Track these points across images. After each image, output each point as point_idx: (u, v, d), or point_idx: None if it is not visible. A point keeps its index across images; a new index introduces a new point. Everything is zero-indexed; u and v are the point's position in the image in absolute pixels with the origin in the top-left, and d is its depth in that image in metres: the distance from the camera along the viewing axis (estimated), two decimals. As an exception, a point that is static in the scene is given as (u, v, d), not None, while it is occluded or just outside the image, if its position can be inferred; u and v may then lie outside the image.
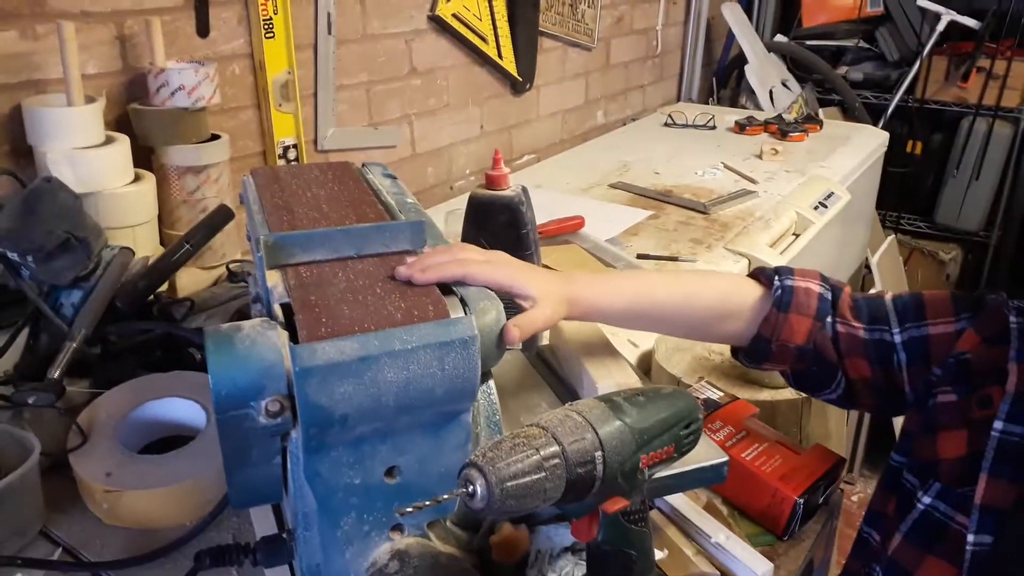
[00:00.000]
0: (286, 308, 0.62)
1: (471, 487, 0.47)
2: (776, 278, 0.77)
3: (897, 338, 0.72)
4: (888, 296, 0.75)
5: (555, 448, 0.50)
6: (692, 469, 0.69)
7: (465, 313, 0.63)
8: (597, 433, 0.53)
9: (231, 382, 0.56)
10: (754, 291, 0.77)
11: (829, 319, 0.75)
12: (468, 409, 0.63)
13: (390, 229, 0.71)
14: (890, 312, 0.73)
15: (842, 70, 3.13)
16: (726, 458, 0.70)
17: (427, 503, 0.48)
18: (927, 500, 0.67)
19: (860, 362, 0.74)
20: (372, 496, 0.61)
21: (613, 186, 1.89)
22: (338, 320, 0.60)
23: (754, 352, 0.78)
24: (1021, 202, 2.94)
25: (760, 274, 0.79)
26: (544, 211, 1.61)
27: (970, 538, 0.63)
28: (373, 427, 0.59)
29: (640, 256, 1.48)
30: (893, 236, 2.71)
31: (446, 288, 0.66)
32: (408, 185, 1.80)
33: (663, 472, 0.67)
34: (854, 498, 2.25)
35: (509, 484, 0.47)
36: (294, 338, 0.58)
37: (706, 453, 0.71)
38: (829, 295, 0.76)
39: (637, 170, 2.02)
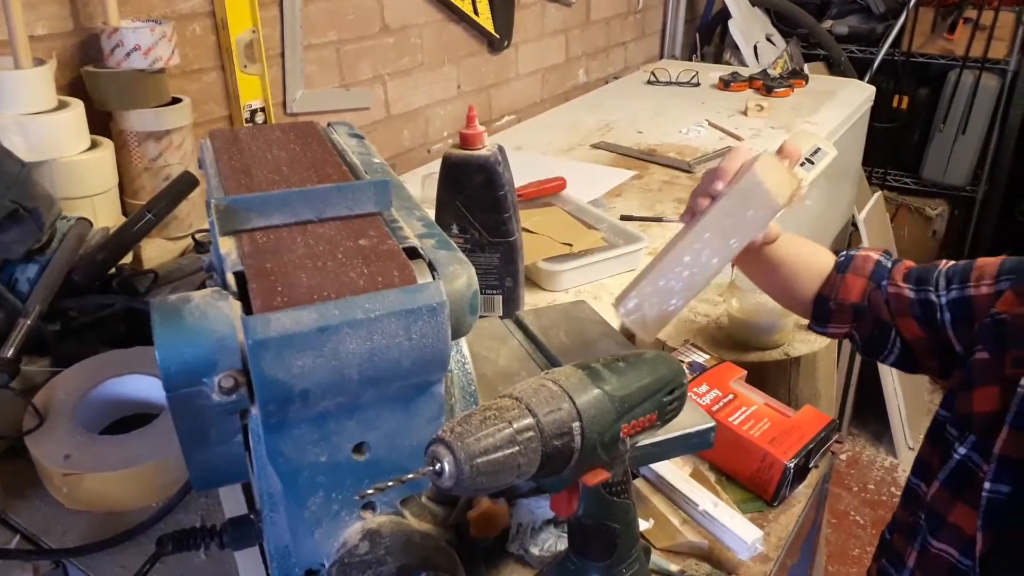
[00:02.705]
0: (240, 277, 0.58)
1: (438, 465, 0.44)
2: (845, 252, 0.85)
3: (943, 298, 0.76)
4: (947, 264, 0.79)
5: (529, 420, 0.47)
6: (677, 436, 0.67)
7: (433, 278, 0.59)
8: (574, 402, 0.49)
9: (180, 357, 0.52)
10: (832, 263, 0.85)
11: (884, 282, 0.80)
12: (440, 380, 0.59)
13: (352, 190, 0.66)
14: (941, 276, 0.77)
15: (827, 23, 3.06)
16: (713, 423, 0.67)
17: (390, 483, 0.44)
18: (962, 451, 0.70)
19: (909, 321, 0.78)
20: (340, 474, 0.58)
21: (595, 146, 1.84)
22: (295, 288, 0.56)
23: (817, 312, 0.84)
24: (1008, 156, 2.91)
25: (837, 251, 0.87)
26: (525, 173, 1.56)
27: (986, 485, 0.67)
28: (337, 402, 0.55)
29: (624, 217, 1.44)
30: (879, 193, 2.68)
31: (413, 253, 0.62)
32: (383, 149, 1.76)
33: (647, 440, 0.64)
34: (842, 456, 2.25)
35: (479, 460, 0.44)
36: (248, 309, 0.54)
37: (692, 419, 0.68)
38: (888, 263, 0.82)
39: (620, 130, 1.96)
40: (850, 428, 2.30)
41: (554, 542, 0.66)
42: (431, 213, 1.06)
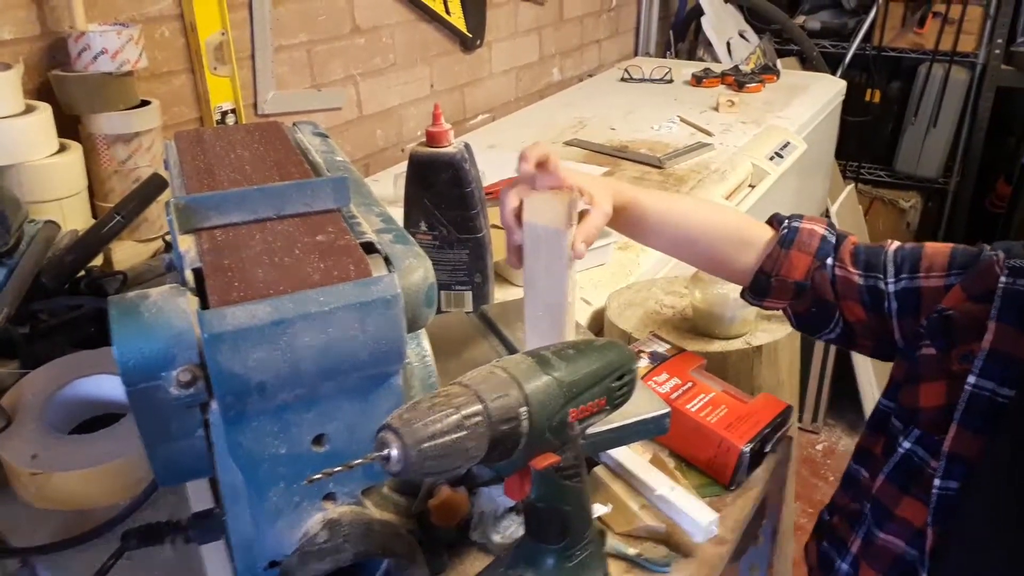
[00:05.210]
0: (198, 273, 0.59)
1: (386, 450, 0.45)
2: (786, 221, 0.81)
3: (891, 287, 0.73)
4: (893, 246, 0.76)
5: (477, 406, 0.48)
6: (634, 422, 0.68)
7: (389, 271, 0.60)
8: (522, 388, 0.51)
9: (138, 352, 0.53)
10: (768, 231, 0.81)
11: (829, 260, 0.77)
12: (397, 372, 0.60)
13: (310, 187, 0.67)
14: (889, 262, 0.75)
15: (800, 19, 3.10)
16: (668, 409, 0.69)
17: (337, 469, 0.46)
18: (907, 445, 0.70)
19: (855, 306, 0.76)
20: (300, 466, 0.59)
21: (569, 143, 1.86)
22: (251, 283, 0.57)
23: (756, 287, 0.80)
24: (978, 147, 2.96)
25: (774, 218, 0.83)
26: (499, 171, 1.57)
27: (937, 482, 0.66)
28: (295, 394, 0.57)
29: (594, 212, 1.45)
30: (851, 185, 2.72)
31: (369, 247, 0.64)
32: (357, 149, 1.76)
33: (604, 426, 0.66)
34: (818, 447, 2.28)
35: (427, 445, 0.45)
36: (206, 304, 0.55)
37: (648, 405, 0.70)
38: (833, 239, 0.79)
39: (593, 126, 1.98)
40: (826, 419, 2.33)
41: (515, 529, 0.68)
42: (403, 212, 1.07)
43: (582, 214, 0.78)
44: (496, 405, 0.49)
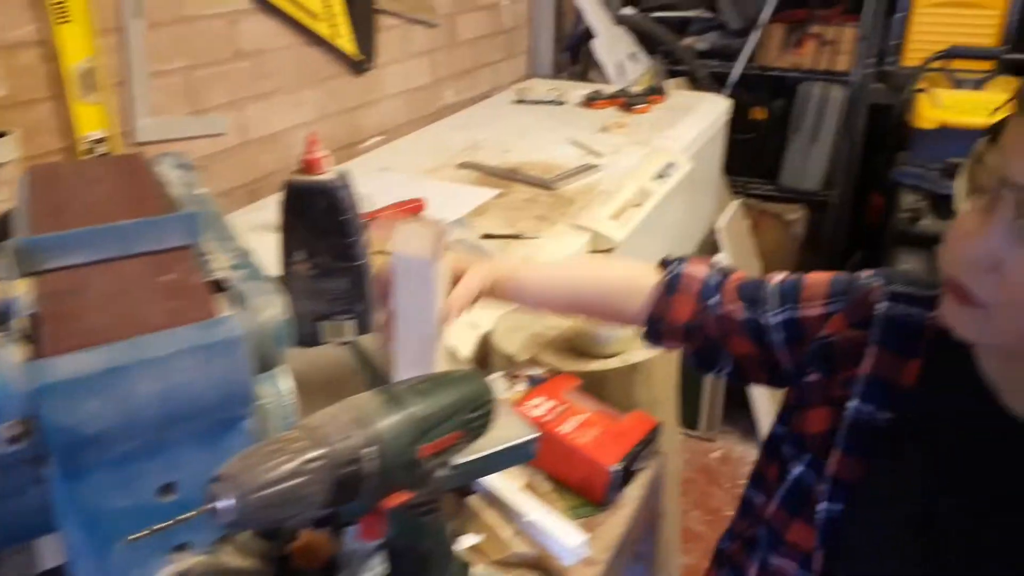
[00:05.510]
0: (34, 319, 0.56)
1: (216, 502, 0.43)
2: (671, 265, 0.83)
3: (775, 319, 0.75)
4: (776, 279, 0.78)
5: (317, 451, 0.47)
6: (501, 450, 0.68)
7: (236, 311, 0.59)
8: (369, 428, 0.50)
9: (-43, 410, 0.50)
10: (654, 277, 0.83)
11: (713, 300, 0.79)
12: (248, 415, 0.59)
13: (159, 225, 0.65)
14: (772, 295, 0.76)
15: (690, 40, 3.22)
16: (535, 435, 0.69)
17: (162, 526, 0.44)
18: (798, 470, 0.71)
19: (742, 340, 0.77)
20: (146, 518, 0.55)
21: (462, 166, 1.87)
22: (89, 330, 0.55)
23: (649, 332, 0.82)
24: (855, 161, 3.14)
25: (663, 263, 0.85)
26: (390, 194, 1.56)
27: (823, 505, 0.68)
28: (137, 444, 0.55)
29: (485, 236, 1.47)
30: (737, 201, 2.83)
31: (221, 286, 0.62)
32: (242, 174, 1.72)
33: (470, 456, 0.66)
34: (715, 455, 2.35)
35: (261, 494, 0.44)
36: (40, 353, 0.53)
37: (516, 431, 0.70)
38: (715, 279, 0.80)
39: (487, 149, 2.00)
40: (722, 426, 2.41)
41: (383, 568, 0.67)
42: (281, 241, 1.05)
43: (456, 279, 0.78)
44: (339, 447, 0.48)
